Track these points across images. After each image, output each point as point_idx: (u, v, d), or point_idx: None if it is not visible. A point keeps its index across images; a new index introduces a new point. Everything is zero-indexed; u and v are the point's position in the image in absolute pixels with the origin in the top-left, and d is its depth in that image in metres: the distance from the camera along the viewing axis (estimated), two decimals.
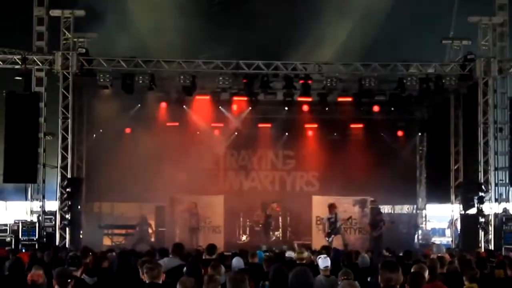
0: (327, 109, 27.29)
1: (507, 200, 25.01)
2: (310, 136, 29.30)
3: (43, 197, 24.41)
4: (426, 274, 9.06)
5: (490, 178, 24.12)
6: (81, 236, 23.59)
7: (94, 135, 26.77)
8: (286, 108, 27.29)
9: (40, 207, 24.34)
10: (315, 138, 29.21)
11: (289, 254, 13.74)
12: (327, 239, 24.44)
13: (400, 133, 29.03)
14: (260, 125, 28.86)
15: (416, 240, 28.36)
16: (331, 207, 24.55)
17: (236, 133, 28.99)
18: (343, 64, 24.89)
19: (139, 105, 26.91)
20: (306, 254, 12.71)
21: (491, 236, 23.62)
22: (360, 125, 28.71)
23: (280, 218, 28.07)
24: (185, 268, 11.12)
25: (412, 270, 8.86)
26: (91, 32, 25.76)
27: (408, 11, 26.38)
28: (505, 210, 24.42)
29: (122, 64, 24.11)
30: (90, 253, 12.36)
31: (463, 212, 24.61)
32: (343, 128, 28.73)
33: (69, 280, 8.02)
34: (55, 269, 8.41)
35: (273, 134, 29.06)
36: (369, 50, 26.24)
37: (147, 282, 8.60)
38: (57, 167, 23.76)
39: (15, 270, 10.05)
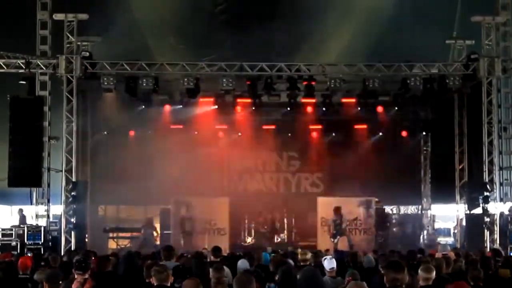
0: (330, 110, 27.28)
1: None
2: (314, 137, 29.22)
3: (48, 201, 24.45)
4: (434, 274, 9.06)
5: (495, 178, 24.09)
6: (86, 240, 23.62)
7: (98, 138, 26.79)
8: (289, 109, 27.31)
9: (45, 211, 24.37)
10: (319, 139, 29.15)
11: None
12: (333, 240, 24.46)
13: (404, 133, 28.91)
14: (264, 127, 28.78)
15: (421, 240, 28.30)
16: (337, 210, 24.58)
17: (240, 135, 28.94)
18: (347, 65, 24.88)
19: (143, 108, 26.94)
20: (309, 255, 12.70)
21: (497, 235, 23.59)
22: (364, 126, 28.59)
23: (285, 220, 28.04)
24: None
25: (420, 270, 8.90)
26: (95, 35, 25.79)
27: (411, 12, 26.37)
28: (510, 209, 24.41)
29: (125, 67, 24.11)
30: (94, 257, 12.37)
31: (468, 212, 24.58)
32: (348, 129, 28.60)
33: (60, 282, 8.13)
34: (46, 272, 8.54)
35: (277, 135, 28.97)
36: (373, 50, 26.22)
37: (155, 284, 8.58)
38: (61, 170, 23.76)
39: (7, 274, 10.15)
